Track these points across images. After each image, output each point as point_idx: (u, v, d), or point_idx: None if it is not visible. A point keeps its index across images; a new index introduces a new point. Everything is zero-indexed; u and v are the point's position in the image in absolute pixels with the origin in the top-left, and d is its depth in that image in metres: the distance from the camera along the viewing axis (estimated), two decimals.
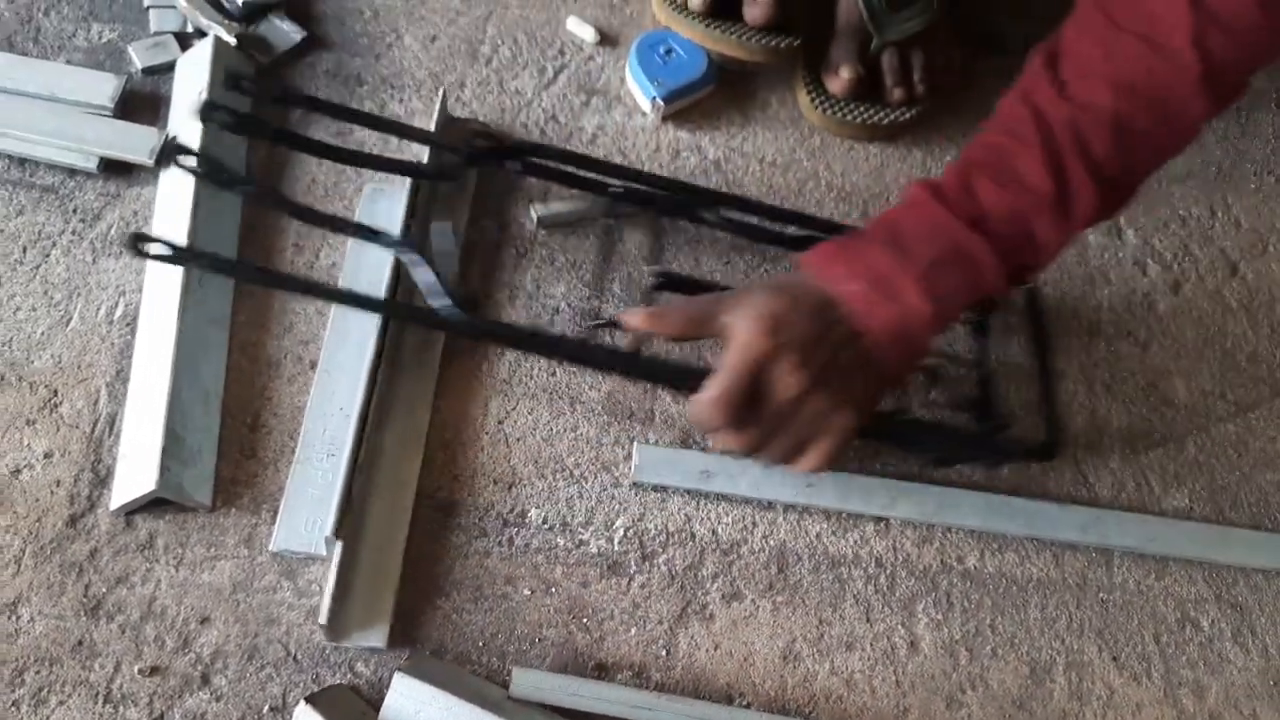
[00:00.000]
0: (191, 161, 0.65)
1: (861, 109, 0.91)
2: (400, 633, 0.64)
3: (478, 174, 0.81)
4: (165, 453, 0.64)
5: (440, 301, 0.67)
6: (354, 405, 0.68)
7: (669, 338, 0.70)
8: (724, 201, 0.81)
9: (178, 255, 0.63)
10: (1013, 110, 0.65)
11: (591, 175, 0.80)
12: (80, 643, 0.61)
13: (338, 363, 0.71)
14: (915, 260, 0.63)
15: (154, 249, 0.61)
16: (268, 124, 0.75)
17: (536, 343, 0.72)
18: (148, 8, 0.84)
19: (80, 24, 0.83)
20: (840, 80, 0.91)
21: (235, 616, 0.63)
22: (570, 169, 0.79)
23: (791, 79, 0.93)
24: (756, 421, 0.63)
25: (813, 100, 0.92)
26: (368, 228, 0.72)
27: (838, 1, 0.95)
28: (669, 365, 0.73)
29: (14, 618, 0.61)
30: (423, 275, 0.68)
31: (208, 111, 0.67)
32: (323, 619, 0.61)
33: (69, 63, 0.81)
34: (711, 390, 0.62)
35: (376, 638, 0.63)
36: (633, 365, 0.70)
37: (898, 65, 0.92)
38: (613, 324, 0.72)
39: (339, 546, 0.63)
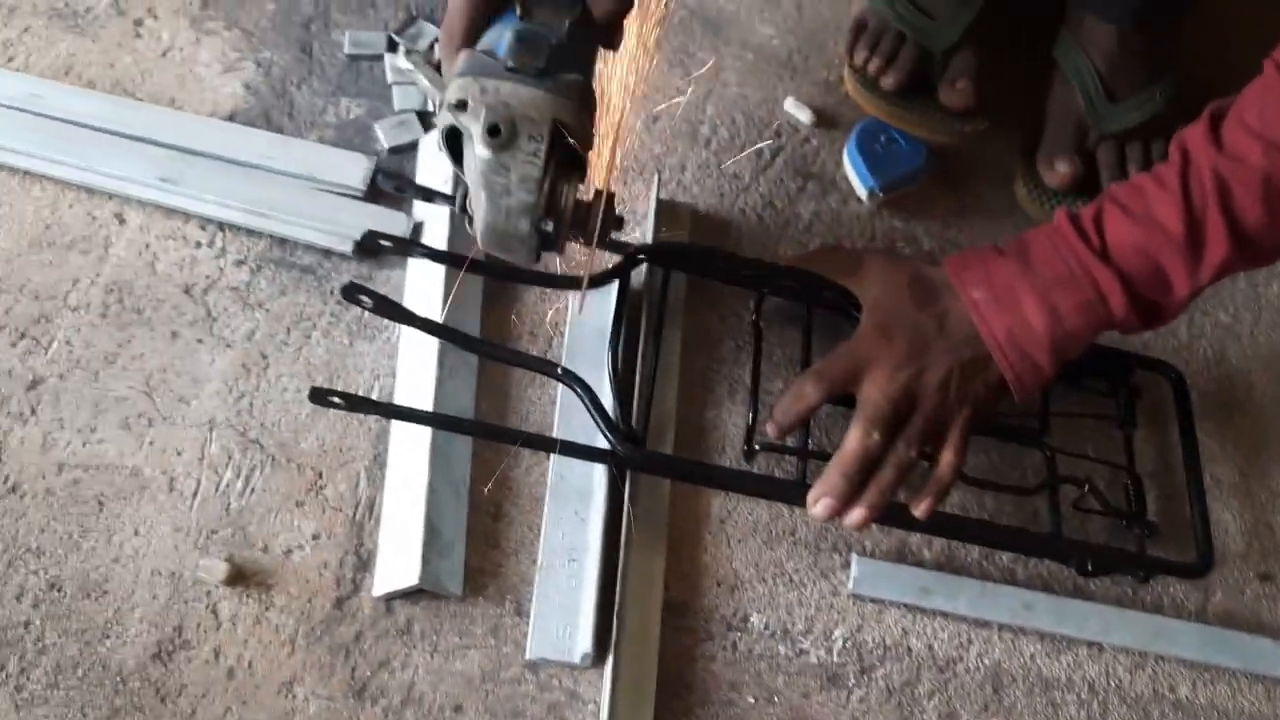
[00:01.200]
0: (368, 301, 0.70)
1: (1081, 204, 0.90)
2: None
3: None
4: (425, 545, 0.68)
5: (603, 437, 0.70)
6: (589, 510, 0.72)
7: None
8: None
9: (354, 403, 0.67)
10: (1167, 154, 0.68)
11: (739, 270, 0.81)
12: None
13: (568, 463, 0.74)
14: (1037, 275, 0.68)
15: (334, 400, 0.67)
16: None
17: (699, 475, 0.75)
18: (391, 84, 0.88)
19: (329, 99, 0.87)
20: (1057, 174, 0.90)
21: (485, 707, 0.67)
22: (720, 265, 0.81)
23: (1009, 168, 0.93)
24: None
25: (1029, 192, 0.91)
26: (532, 357, 0.77)
27: (1050, 89, 0.93)
28: None
29: (290, 696, 0.66)
30: (588, 408, 0.70)
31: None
32: None
33: (320, 140, 0.85)
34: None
35: None
36: (794, 494, 0.71)
37: (1116, 159, 0.91)
38: (772, 448, 0.74)
39: (611, 660, 0.67)
